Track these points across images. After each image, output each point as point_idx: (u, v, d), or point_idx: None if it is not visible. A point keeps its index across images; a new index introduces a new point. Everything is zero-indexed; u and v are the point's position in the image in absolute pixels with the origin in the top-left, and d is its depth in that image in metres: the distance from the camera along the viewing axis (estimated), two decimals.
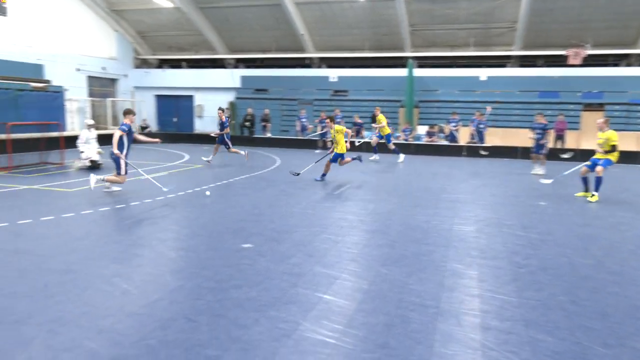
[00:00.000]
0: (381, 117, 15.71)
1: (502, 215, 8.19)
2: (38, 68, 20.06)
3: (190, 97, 26.19)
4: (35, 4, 20.36)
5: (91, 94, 23.86)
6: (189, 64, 26.40)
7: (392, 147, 15.96)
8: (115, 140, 8.80)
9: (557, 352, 3.44)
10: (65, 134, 15.70)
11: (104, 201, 8.28)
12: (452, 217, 7.93)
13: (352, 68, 23.50)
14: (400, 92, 21.58)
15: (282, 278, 4.84)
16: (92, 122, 13.48)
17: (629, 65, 20.29)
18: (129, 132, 9.11)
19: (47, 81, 19.70)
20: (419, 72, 21.63)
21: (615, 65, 20.57)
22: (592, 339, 3.65)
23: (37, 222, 6.93)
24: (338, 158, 11.15)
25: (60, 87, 19.81)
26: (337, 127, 11.20)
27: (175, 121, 26.74)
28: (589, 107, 19.52)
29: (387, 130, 15.75)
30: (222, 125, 14.65)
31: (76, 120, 22.43)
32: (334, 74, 23.56)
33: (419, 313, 4.06)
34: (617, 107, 19.29)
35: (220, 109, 15.19)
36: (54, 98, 19.14)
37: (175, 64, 26.66)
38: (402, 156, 15.92)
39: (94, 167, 12.54)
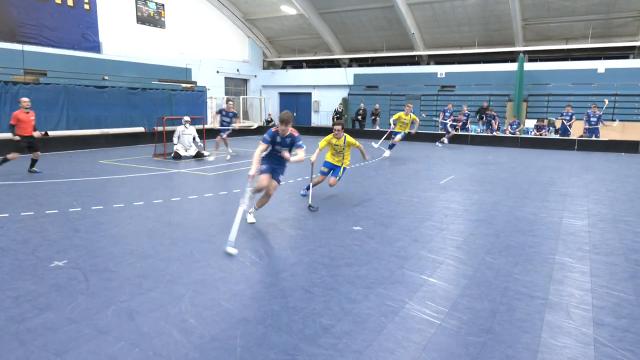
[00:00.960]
0: (413, 117, 14.39)
1: (618, 210, 7.26)
2: (187, 71, 21.90)
3: (309, 94, 26.94)
4: (186, 17, 22.32)
5: (227, 93, 25.68)
6: (308, 65, 27.16)
7: (397, 142, 14.52)
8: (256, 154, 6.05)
9: None
10: (207, 126, 17.02)
11: (236, 184, 8.85)
12: (562, 210, 7.22)
13: (460, 64, 22.36)
14: (509, 86, 20.08)
15: (390, 259, 4.80)
16: (188, 118, 13.54)
17: None
18: (270, 142, 6.09)
19: (194, 82, 21.54)
20: (529, 66, 19.91)
21: None
22: None
23: (184, 200, 7.65)
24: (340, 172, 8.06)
25: (203, 87, 21.59)
26: (349, 139, 7.83)
27: (295, 115, 27.76)
28: None
29: (405, 130, 14.43)
30: (231, 117, 13.22)
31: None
32: (442, 70, 22.62)
33: (526, 303, 3.77)
34: None
35: (229, 100, 14.23)
36: (198, 96, 20.93)
37: (297, 64, 27.61)
38: (388, 152, 14.54)
39: (177, 157, 12.78)
